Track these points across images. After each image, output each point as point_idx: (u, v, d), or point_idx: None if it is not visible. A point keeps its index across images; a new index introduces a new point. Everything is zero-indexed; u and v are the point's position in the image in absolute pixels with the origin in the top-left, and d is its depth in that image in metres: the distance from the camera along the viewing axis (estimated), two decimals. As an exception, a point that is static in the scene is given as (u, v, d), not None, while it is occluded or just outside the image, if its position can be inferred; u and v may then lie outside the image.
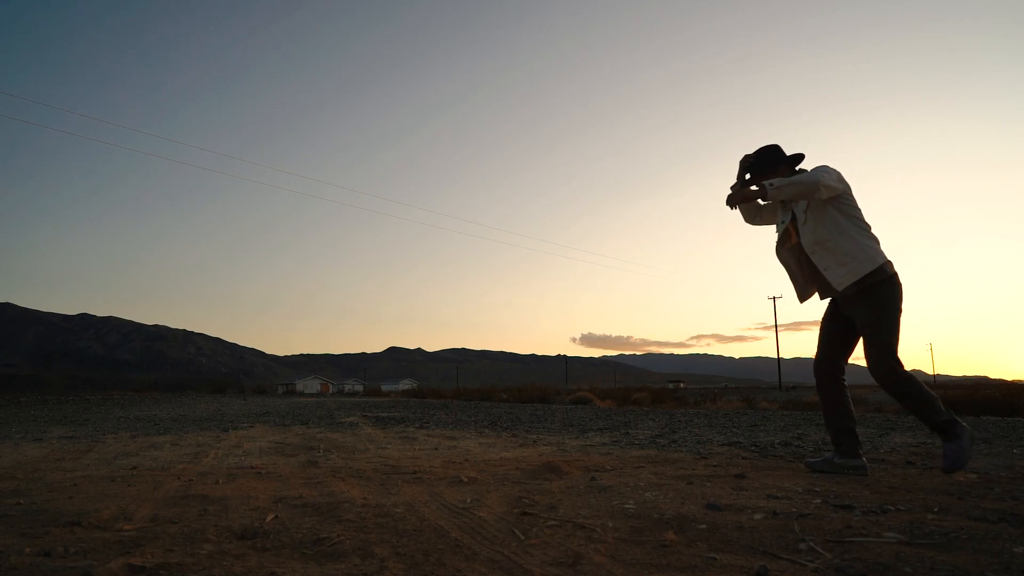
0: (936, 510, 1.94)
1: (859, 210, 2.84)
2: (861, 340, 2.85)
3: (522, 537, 1.67)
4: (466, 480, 2.72)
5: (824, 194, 2.73)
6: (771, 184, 2.74)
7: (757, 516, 1.87)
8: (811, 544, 1.56)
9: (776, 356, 50.15)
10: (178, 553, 1.52)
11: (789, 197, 2.77)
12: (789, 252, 3.01)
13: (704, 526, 1.76)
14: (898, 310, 2.76)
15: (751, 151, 3.05)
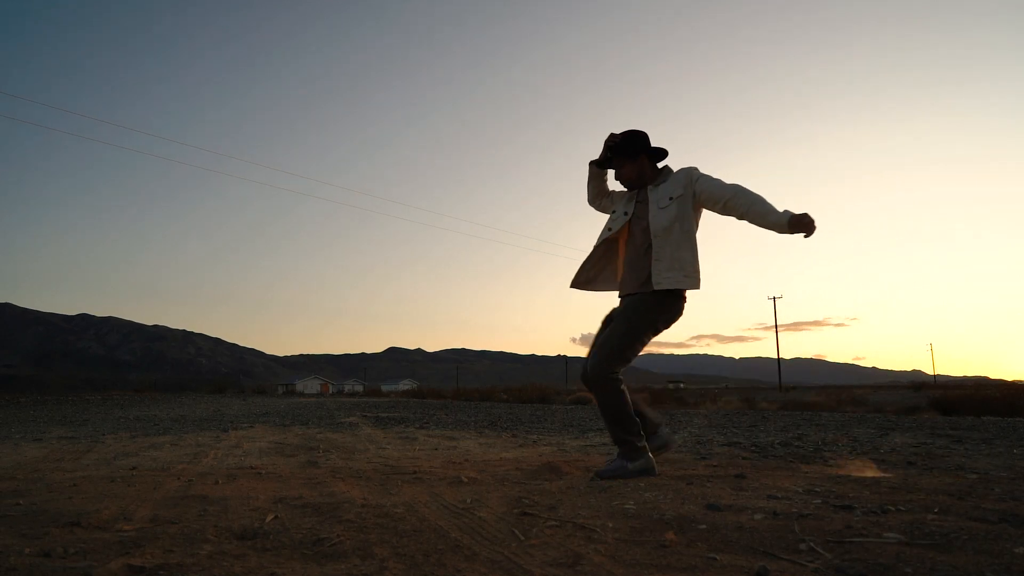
0: (936, 510, 1.93)
1: None
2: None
3: (522, 537, 1.67)
4: (466, 480, 2.71)
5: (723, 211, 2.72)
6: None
7: (757, 516, 1.87)
8: (811, 544, 1.56)
9: (776, 356, 50.16)
10: (178, 553, 1.52)
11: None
12: (605, 244, 2.95)
13: (704, 526, 1.76)
14: (658, 331, 2.75)
15: (618, 132, 2.89)
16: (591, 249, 2.99)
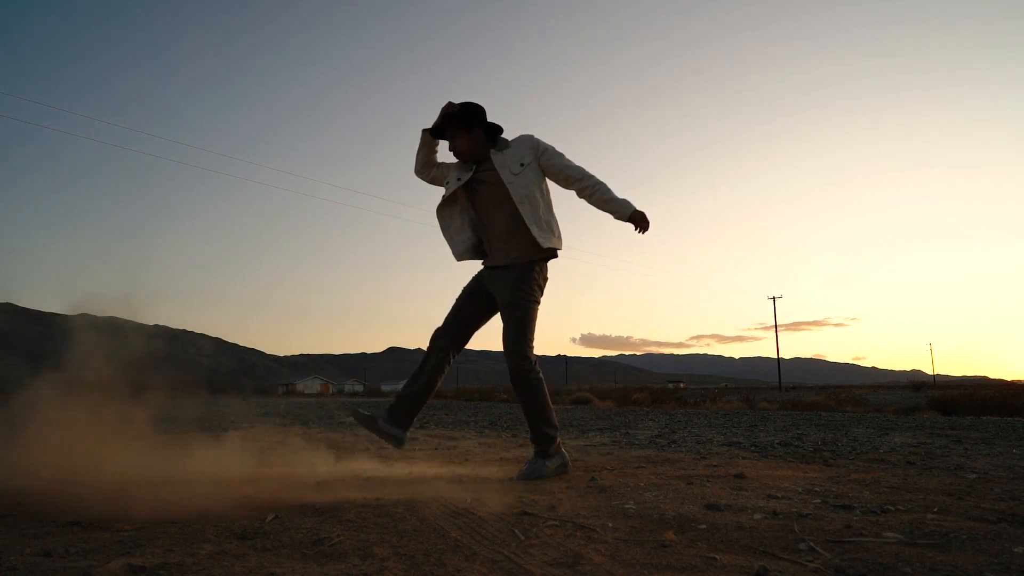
0: (936, 510, 1.94)
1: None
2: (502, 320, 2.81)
3: (522, 537, 1.67)
4: (466, 480, 2.72)
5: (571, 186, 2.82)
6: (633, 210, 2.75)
7: (757, 516, 1.87)
8: (811, 544, 1.56)
9: (776, 356, 50.17)
10: (178, 553, 1.52)
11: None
12: (463, 211, 2.91)
13: (704, 526, 1.76)
14: (539, 301, 2.80)
15: (458, 101, 2.79)
16: (439, 219, 2.94)
